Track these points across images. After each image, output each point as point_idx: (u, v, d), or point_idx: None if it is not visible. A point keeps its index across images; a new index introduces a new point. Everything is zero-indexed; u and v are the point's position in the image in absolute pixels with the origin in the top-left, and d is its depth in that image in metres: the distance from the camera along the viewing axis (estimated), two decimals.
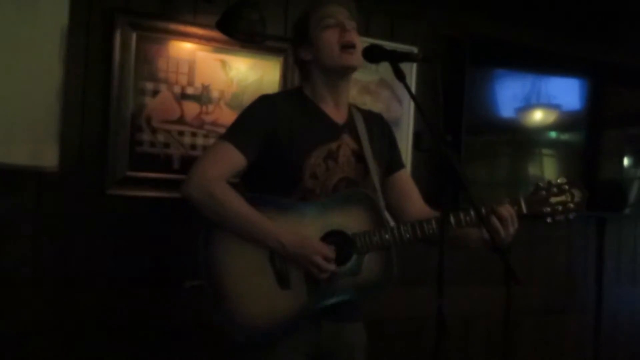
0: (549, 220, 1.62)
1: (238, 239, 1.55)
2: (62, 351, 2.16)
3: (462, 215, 1.59)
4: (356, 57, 1.64)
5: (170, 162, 2.34)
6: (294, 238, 1.54)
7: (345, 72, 1.69)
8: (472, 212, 1.58)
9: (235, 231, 1.55)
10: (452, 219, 1.58)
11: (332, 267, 1.54)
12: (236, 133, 1.61)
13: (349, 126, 1.73)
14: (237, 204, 1.54)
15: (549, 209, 1.61)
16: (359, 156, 1.71)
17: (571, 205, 1.62)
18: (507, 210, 1.56)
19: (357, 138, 1.72)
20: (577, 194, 1.62)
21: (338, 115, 1.72)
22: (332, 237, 1.59)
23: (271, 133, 1.60)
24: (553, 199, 1.62)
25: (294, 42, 1.77)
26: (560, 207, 1.61)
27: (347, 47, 1.64)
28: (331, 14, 1.66)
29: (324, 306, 1.58)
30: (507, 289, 3.10)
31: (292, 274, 1.56)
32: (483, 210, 1.55)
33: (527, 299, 3.11)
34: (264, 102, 1.67)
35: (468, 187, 1.34)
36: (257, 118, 1.63)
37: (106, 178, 2.23)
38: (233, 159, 1.57)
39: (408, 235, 1.60)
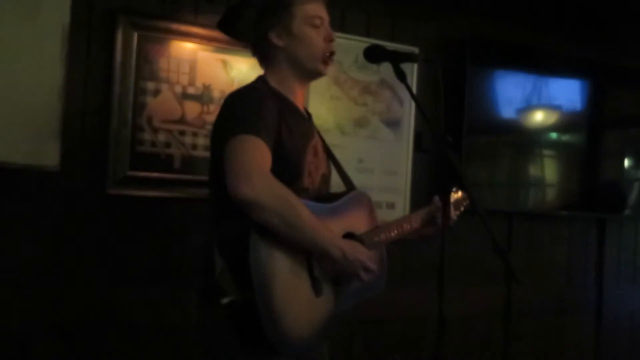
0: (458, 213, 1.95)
1: (279, 247, 1.41)
2: (62, 351, 2.16)
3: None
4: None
5: (171, 162, 2.34)
6: (351, 245, 1.50)
7: (315, 77, 1.67)
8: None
9: (297, 239, 1.41)
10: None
11: (376, 269, 1.55)
12: (257, 126, 1.43)
13: (312, 121, 1.72)
14: (307, 210, 1.41)
15: (458, 205, 1.95)
16: (328, 151, 1.72)
17: (465, 202, 1.96)
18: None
19: (318, 133, 1.72)
20: (463, 194, 1.94)
21: (303, 110, 1.69)
22: (346, 238, 1.57)
23: (277, 127, 1.50)
24: (454, 197, 1.93)
25: (263, 21, 1.62)
26: (464, 204, 1.96)
27: (330, 57, 1.62)
28: (320, 15, 1.62)
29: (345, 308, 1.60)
30: (507, 290, 3.10)
31: (323, 280, 1.52)
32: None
33: (528, 300, 3.11)
34: (256, 95, 1.54)
35: (468, 188, 1.35)
36: (264, 110, 1.47)
37: (107, 177, 2.23)
38: (269, 155, 1.43)
39: (394, 233, 1.69)
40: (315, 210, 1.47)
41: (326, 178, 1.69)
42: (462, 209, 1.97)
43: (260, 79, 1.64)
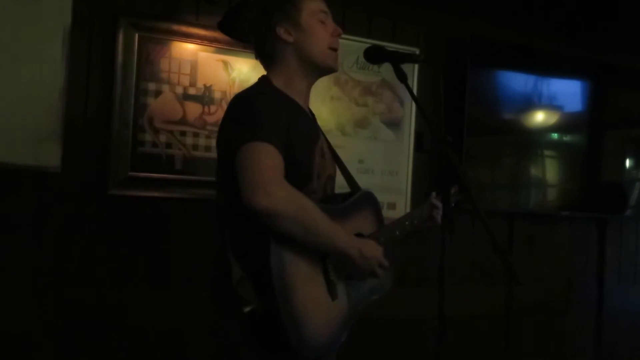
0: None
1: (297, 252, 1.40)
2: (62, 351, 2.16)
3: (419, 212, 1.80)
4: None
5: (172, 163, 2.34)
6: (365, 243, 1.49)
7: (325, 72, 1.63)
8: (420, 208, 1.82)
9: (317, 244, 1.42)
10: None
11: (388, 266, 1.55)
12: (268, 132, 1.40)
13: (316, 121, 1.69)
14: (321, 214, 1.40)
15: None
16: (333, 152, 1.70)
17: (455, 198, 1.92)
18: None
19: (322, 133, 1.69)
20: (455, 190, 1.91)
21: (308, 110, 1.65)
22: None
23: (287, 130, 1.46)
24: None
25: (268, 18, 1.56)
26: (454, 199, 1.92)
27: (335, 50, 1.60)
28: (325, 10, 1.61)
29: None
30: (508, 290, 3.10)
31: (338, 284, 1.51)
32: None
33: (529, 300, 3.11)
34: (265, 98, 1.49)
35: (469, 188, 1.35)
36: (274, 115, 1.44)
37: (108, 178, 2.24)
38: (281, 162, 1.40)
39: (397, 233, 1.68)
40: (328, 212, 1.46)
41: (332, 179, 1.67)
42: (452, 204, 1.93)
43: (264, 80, 1.58)
